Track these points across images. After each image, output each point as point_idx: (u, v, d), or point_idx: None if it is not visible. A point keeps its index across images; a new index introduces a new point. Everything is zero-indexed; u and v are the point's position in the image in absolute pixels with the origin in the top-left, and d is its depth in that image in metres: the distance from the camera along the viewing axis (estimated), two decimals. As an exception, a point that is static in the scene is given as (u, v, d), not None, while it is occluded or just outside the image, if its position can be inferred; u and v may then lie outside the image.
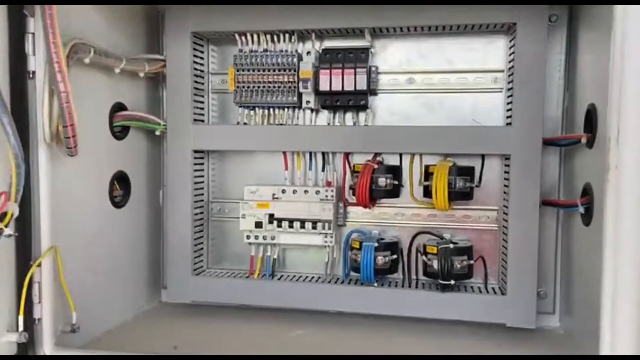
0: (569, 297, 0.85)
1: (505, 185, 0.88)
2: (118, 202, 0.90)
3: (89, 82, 0.82)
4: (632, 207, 0.56)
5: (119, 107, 0.89)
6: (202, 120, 0.98)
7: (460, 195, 0.85)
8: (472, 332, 0.84)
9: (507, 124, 0.86)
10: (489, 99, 0.90)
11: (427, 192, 0.88)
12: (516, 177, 0.83)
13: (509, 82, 0.87)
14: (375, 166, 0.87)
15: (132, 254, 0.94)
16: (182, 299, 0.94)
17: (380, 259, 0.87)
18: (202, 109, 0.98)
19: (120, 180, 0.91)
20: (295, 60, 0.89)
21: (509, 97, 0.87)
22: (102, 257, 0.86)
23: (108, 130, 0.87)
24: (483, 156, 0.89)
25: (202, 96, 0.98)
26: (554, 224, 0.89)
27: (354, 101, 0.90)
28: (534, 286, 0.83)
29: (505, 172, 0.88)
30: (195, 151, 0.95)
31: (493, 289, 0.89)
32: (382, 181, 0.86)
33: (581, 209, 0.75)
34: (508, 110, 0.87)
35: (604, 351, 0.58)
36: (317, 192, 0.92)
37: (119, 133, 0.90)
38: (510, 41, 0.87)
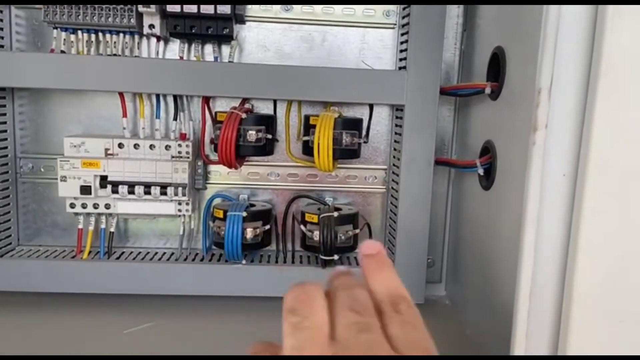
0: (456, 266, 0.77)
1: (396, 141, 0.75)
2: None
3: None
4: (557, 176, 0.45)
5: None
6: (2, 46, 0.70)
7: (346, 154, 0.70)
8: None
9: (401, 67, 0.73)
10: (379, 37, 0.76)
11: (307, 149, 0.72)
12: (409, 131, 0.70)
13: (403, 17, 0.73)
14: (244, 115, 0.68)
15: None
16: (-18, 289, 0.70)
17: (250, 232, 0.70)
18: (1, 29, 0.70)
19: None
20: (132, -34, 0.65)
21: (402, 34, 0.73)
22: None
23: None
24: (371, 106, 0.75)
25: (0, 11, 0.70)
26: (444, 186, 0.79)
27: (215, 29, 0.69)
28: (424, 256, 0.73)
29: (397, 125, 0.75)
30: (-10, 88, 0.67)
31: (379, 259, 0.78)
32: (252, 134, 0.68)
33: (480, 170, 0.65)
34: (402, 51, 0.73)
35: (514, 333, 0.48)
36: (168, 148, 0.71)
37: None
38: (406, -34, 0.72)
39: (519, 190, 0.53)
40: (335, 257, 0.70)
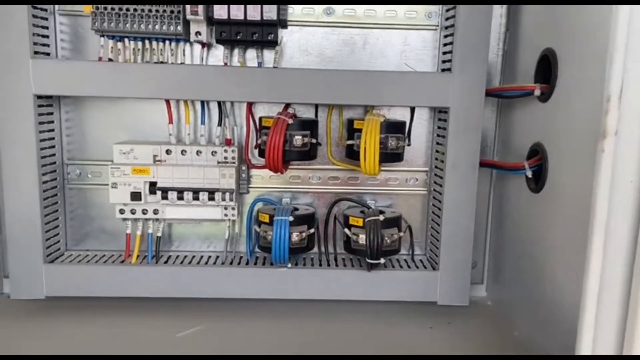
0: (498, 267, 0.77)
1: (438, 143, 0.75)
2: None
3: None
4: (625, 182, 0.45)
5: None
6: (48, 54, 0.71)
7: (391, 157, 0.71)
8: (399, 311, 0.73)
9: (444, 69, 0.73)
10: (421, 38, 0.75)
11: (351, 152, 0.73)
12: (454, 133, 0.70)
13: (446, 19, 0.72)
14: (290, 121, 0.68)
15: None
16: (33, 294, 0.71)
17: (296, 236, 0.71)
18: (47, 37, 0.71)
19: None
20: (179, -26, 0.66)
21: (446, 36, 0.73)
22: None
23: None
24: (413, 108, 0.75)
25: (45, 19, 0.70)
26: (486, 187, 0.79)
27: (260, 35, 0.69)
28: (469, 258, 0.73)
29: (440, 127, 0.75)
30: (39, 97, 0.68)
31: (422, 261, 0.78)
32: (298, 139, 0.69)
33: (528, 173, 0.65)
34: (445, 53, 0.73)
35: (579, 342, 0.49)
36: (214, 153, 0.72)
37: None
38: (450, -33, 0.72)
39: (579, 194, 0.53)
40: (382, 260, 0.70)
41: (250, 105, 0.74)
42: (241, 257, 0.77)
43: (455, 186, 0.71)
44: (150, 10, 0.67)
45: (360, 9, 0.74)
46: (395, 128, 0.71)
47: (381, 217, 0.70)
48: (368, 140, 0.67)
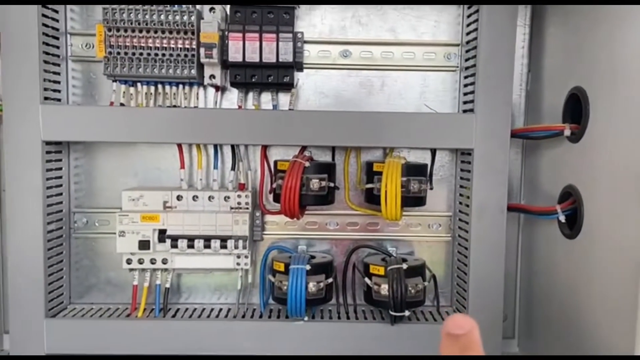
0: (531, 319, 0.72)
1: (462, 187, 0.72)
2: None
3: None
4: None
5: None
6: (58, 100, 0.69)
7: (413, 201, 0.67)
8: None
9: (466, 110, 0.70)
10: (440, 79, 0.73)
11: (370, 197, 0.69)
12: (479, 176, 0.67)
13: (466, 60, 0.71)
14: (307, 164, 0.65)
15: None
16: (34, 350, 0.66)
17: (313, 286, 0.66)
18: (58, 82, 0.69)
19: None
20: (193, 18, 0.65)
21: (466, 77, 0.71)
22: None
23: None
24: (434, 150, 0.72)
25: (58, 64, 0.69)
26: (514, 233, 0.75)
27: (276, 77, 0.67)
28: (500, 310, 0.68)
29: (463, 169, 0.72)
30: (48, 143, 0.66)
31: (448, 314, 0.73)
32: (315, 183, 0.65)
33: (561, 217, 0.61)
34: (467, 94, 0.70)
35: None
36: (227, 199, 0.69)
37: None
38: (468, 8, 0.70)
39: (620, 240, 0.49)
40: (406, 312, 0.65)
41: (264, 148, 0.71)
42: (254, 310, 0.72)
43: (483, 232, 0.67)
44: (163, 54, 0.65)
45: (377, 50, 0.72)
46: (416, 171, 0.67)
47: (404, 266, 0.65)
48: (389, 183, 0.64)
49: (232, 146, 0.71)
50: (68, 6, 0.70)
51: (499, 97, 0.65)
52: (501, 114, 0.66)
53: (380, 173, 0.66)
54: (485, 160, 0.66)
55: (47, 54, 0.66)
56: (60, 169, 0.71)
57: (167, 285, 0.71)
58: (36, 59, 0.64)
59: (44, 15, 0.65)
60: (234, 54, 0.65)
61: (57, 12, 0.68)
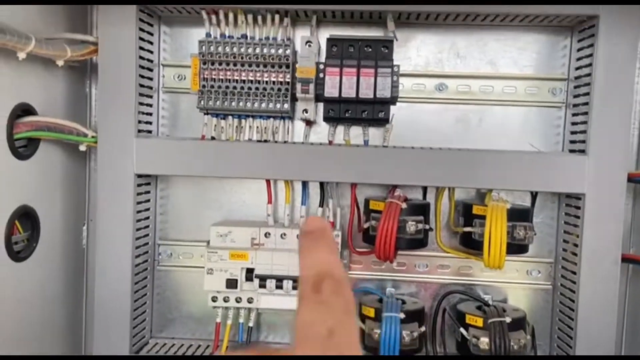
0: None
1: (567, 232, 0.66)
2: (19, 252, 0.60)
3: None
4: None
5: (23, 111, 0.59)
6: (149, 131, 0.69)
7: (517, 249, 0.62)
8: None
9: (573, 150, 0.65)
10: (543, 116, 0.69)
11: (467, 241, 0.65)
12: (591, 223, 0.61)
13: (575, 96, 0.66)
14: (403, 205, 0.62)
15: (39, 321, 0.64)
16: (116, 386, 0.65)
17: (407, 335, 0.62)
18: (150, 114, 0.69)
19: (24, 219, 0.61)
20: (289, 52, 0.63)
21: (575, 115, 0.66)
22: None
23: (5, 145, 0.57)
24: (535, 193, 0.67)
25: (150, 96, 0.69)
26: (622, 285, 0.68)
27: (371, 113, 0.65)
28: (612, 371, 0.61)
29: (569, 214, 0.66)
30: (139, 176, 0.66)
31: (549, 369, 0.67)
32: (412, 226, 0.62)
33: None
34: (575, 132, 0.65)
35: None
36: (316, 238, 0.66)
37: (23, 149, 0.60)
38: (578, 41, 0.66)
39: None
40: (509, 370, 0.60)
41: (354, 185, 0.68)
42: (339, 354, 0.69)
43: (593, 284, 0.61)
44: (257, 88, 0.64)
45: (475, 84, 0.69)
46: (520, 215, 0.63)
47: (508, 319, 0.60)
48: (494, 229, 0.60)
49: (321, 182, 0.68)
50: (162, 35, 0.71)
51: (616, 138, 0.60)
52: (617, 156, 0.60)
53: (480, 217, 0.62)
54: (598, 206, 0.61)
55: (142, 86, 0.66)
56: (149, 200, 0.70)
57: (251, 324, 0.68)
58: (132, 91, 0.64)
59: (141, 48, 0.65)
60: (330, 89, 0.63)
61: (152, 43, 0.69)
